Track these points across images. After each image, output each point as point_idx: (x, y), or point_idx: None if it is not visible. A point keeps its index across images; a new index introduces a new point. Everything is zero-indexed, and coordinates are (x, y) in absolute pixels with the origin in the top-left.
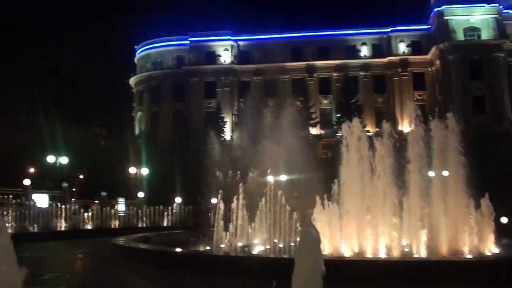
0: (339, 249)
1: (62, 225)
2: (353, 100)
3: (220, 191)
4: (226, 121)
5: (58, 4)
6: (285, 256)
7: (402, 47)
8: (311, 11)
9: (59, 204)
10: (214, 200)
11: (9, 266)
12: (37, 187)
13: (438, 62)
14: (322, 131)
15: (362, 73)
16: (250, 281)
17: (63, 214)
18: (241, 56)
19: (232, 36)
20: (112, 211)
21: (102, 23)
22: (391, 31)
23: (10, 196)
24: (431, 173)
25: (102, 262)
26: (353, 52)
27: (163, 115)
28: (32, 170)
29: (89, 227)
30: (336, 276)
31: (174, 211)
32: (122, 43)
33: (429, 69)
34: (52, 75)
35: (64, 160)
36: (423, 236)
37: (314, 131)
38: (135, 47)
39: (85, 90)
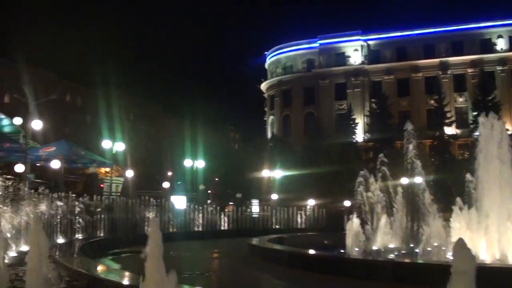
0: (479, 255)
1: (199, 226)
2: (490, 97)
3: (354, 193)
4: (358, 123)
5: (186, 22)
6: (420, 261)
7: None
8: (442, 5)
9: (196, 206)
10: (347, 203)
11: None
12: (175, 189)
13: None
14: (458, 131)
15: (499, 68)
16: (384, 285)
17: (200, 215)
18: (371, 55)
19: (361, 36)
20: (247, 212)
21: (234, 32)
22: None
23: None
24: None
25: (238, 261)
26: (489, 46)
27: (294, 118)
28: (170, 173)
29: (224, 227)
30: (479, 284)
31: (307, 213)
32: (253, 50)
33: None
34: (187, 80)
35: (200, 163)
36: None
37: (449, 130)
38: (266, 53)
39: (219, 97)
